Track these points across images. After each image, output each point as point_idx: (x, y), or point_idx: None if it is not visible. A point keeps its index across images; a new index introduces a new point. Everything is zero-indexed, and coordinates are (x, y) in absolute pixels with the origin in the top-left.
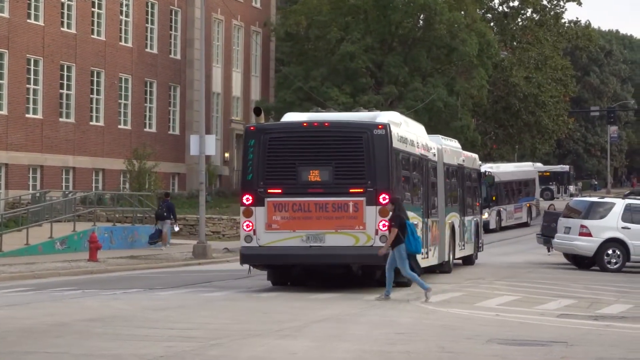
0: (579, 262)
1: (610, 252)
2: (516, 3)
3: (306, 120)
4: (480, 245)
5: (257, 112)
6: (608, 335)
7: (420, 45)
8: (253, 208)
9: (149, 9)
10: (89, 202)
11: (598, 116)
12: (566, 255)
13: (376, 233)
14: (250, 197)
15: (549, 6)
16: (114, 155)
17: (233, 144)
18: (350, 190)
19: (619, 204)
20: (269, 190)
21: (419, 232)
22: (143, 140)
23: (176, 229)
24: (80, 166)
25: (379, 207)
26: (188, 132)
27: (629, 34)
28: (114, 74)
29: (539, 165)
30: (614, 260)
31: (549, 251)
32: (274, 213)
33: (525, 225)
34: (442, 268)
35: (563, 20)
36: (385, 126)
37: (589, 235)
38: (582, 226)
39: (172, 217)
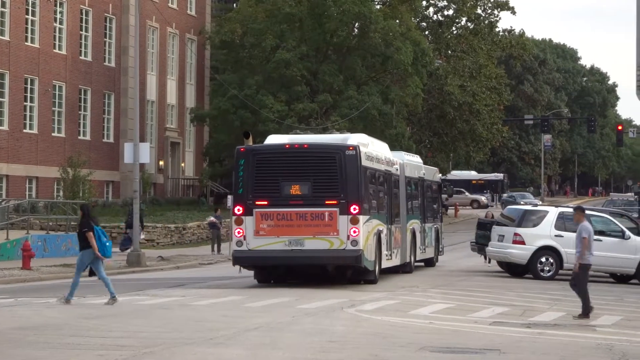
0: (513, 270)
1: (543, 260)
2: (451, 12)
3: (288, 142)
4: (440, 249)
5: (246, 135)
6: (541, 342)
7: (355, 54)
8: (243, 217)
9: (84, 17)
10: (23, 210)
11: (532, 125)
12: (500, 263)
13: (348, 238)
14: (241, 208)
15: (483, 15)
16: (47, 163)
17: (167, 152)
18: (326, 202)
19: (552, 212)
20: (256, 202)
21: (384, 237)
22: (77, 148)
23: (142, 236)
24: (13, 174)
25: (350, 217)
26: (122, 140)
27: (562, 43)
28: (47, 81)
29: (473, 173)
30: (547, 268)
31: (486, 260)
32: (261, 221)
33: None
34: (404, 269)
35: (497, 29)
36: (355, 147)
37: (523, 243)
38: (516, 234)
39: (141, 225)
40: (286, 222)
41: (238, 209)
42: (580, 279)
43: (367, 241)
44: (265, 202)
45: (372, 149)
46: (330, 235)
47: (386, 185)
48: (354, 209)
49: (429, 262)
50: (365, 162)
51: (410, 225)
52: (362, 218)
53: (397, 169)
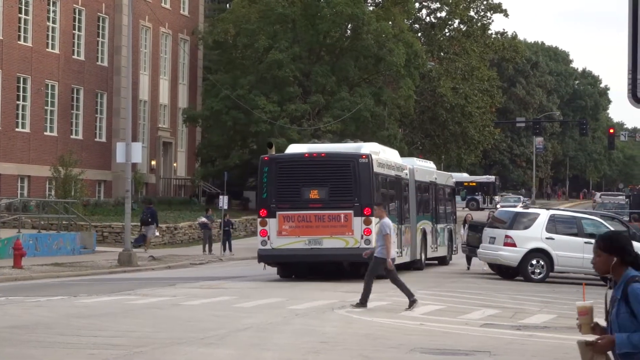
0: (504, 272)
1: (534, 262)
2: (443, 14)
3: (307, 151)
4: (455, 248)
5: (270, 145)
6: (531, 345)
7: (348, 55)
8: (267, 219)
9: (77, 16)
10: (14, 208)
11: (524, 127)
12: (491, 265)
13: (361, 238)
14: (265, 211)
15: (476, 17)
16: (39, 162)
17: (160, 152)
18: (342, 205)
19: (544, 215)
20: (279, 206)
21: (394, 236)
22: (69, 147)
23: (157, 233)
24: (5, 173)
25: (363, 218)
26: (115, 140)
27: (554, 46)
28: (40, 80)
29: (465, 175)
30: (538, 271)
31: (468, 266)
32: (284, 223)
33: None
34: (414, 265)
35: (490, 32)
36: (368, 156)
37: (514, 245)
38: (507, 236)
39: (155, 222)
40: (306, 223)
41: (262, 212)
42: (371, 270)
43: None
44: (287, 206)
45: (383, 157)
46: (346, 235)
47: (396, 189)
48: (367, 211)
49: (442, 260)
50: (377, 169)
51: (420, 225)
52: (374, 219)
53: (406, 174)
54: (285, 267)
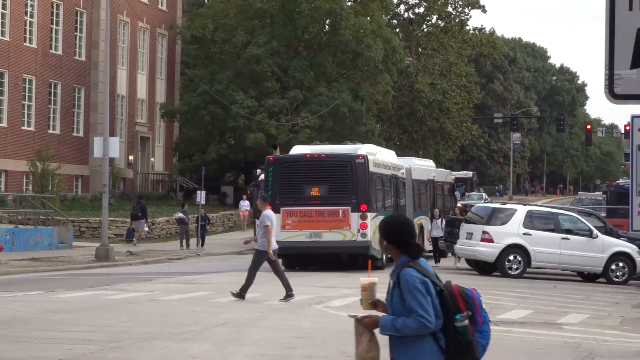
0: (481, 267)
1: (511, 258)
2: (421, 9)
3: (309, 152)
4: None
5: (275, 147)
6: (508, 340)
7: (326, 50)
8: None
9: (54, 10)
10: None
11: (501, 123)
12: (468, 260)
13: (358, 231)
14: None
15: (454, 13)
16: (17, 157)
17: (137, 147)
18: (340, 202)
19: (521, 211)
20: (283, 202)
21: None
22: (47, 141)
23: (146, 228)
24: None
25: (360, 213)
26: (92, 134)
27: (531, 42)
28: (17, 74)
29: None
30: (515, 266)
31: (456, 259)
32: (287, 218)
33: None
34: None
35: (468, 28)
36: (364, 156)
37: (491, 241)
38: (484, 232)
39: (145, 217)
40: (307, 218)
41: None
42: (254, 262)
43: (374, 234)
44: (290, 202)
45: (379, 157)
46: (344, 229)
47: (392, 186)
48: (363, 207)
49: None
50: (372, 168)
51: (417, 221)
52: (370, 215)
53: (403, 173)
54: (289, 258)
